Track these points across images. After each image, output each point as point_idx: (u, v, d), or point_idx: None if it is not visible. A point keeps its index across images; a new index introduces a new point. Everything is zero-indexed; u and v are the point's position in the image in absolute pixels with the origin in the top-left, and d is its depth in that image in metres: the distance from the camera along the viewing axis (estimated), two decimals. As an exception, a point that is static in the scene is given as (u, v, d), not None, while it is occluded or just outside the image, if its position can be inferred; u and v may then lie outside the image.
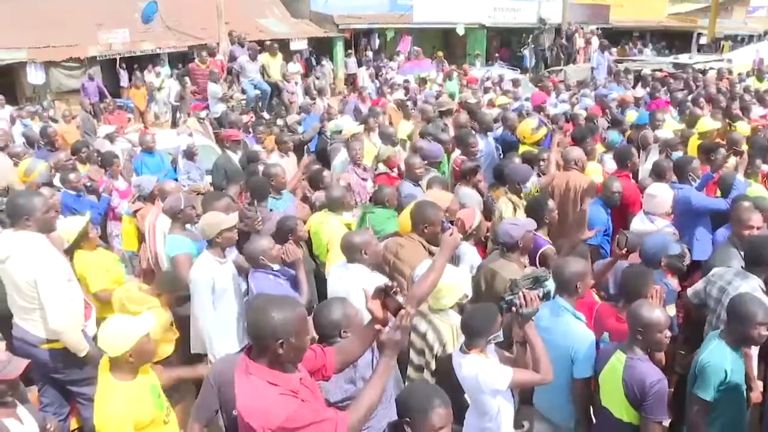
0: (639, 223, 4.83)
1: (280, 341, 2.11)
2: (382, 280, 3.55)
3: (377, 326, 2.38)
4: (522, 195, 5.20)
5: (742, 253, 4.06)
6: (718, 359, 3.11)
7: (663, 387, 2.89)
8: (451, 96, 11.97)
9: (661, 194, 4.85)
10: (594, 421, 3.34)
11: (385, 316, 2.40)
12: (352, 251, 3.74)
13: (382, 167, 6.46)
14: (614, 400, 3.04)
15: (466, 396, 3.15)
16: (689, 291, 4.06)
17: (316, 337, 3.01)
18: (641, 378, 2.89)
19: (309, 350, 2.37)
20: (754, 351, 3.55)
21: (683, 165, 5.44)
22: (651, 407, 2.89)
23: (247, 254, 4.08)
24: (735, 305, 3.20)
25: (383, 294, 2.40)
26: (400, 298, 2.37)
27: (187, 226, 4.76)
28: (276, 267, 4.02)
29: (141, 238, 5.60)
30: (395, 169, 6.39)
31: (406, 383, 3.47)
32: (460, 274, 3.54)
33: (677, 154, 6.41)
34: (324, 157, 7.62)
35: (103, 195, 6.37)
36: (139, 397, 2.96)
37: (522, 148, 6.70)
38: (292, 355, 2.18)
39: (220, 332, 4.05)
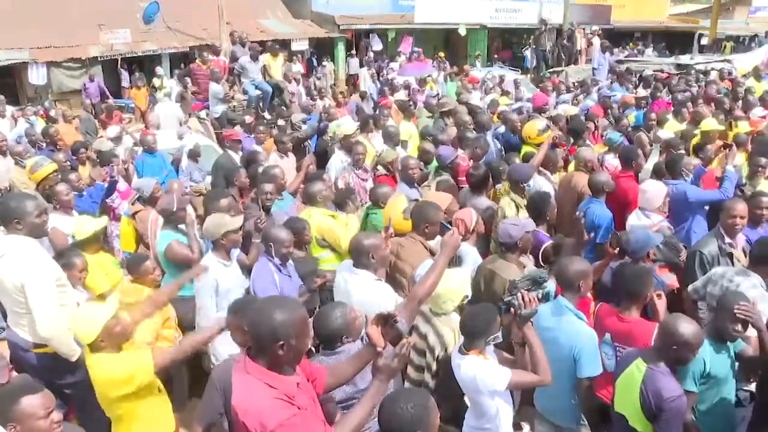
0: (635, 219, 4.89)
1: (281, 343, 2.11)
2: (386, 289, 3.58)
3: (377, 349, 2.38)
4: (524, 195, 5.20)
5: (720, 243, 4.26)
6: None
7: (681, 403, 2.78)
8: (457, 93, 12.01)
9: (652, 189, 4.90)
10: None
11: (384, 344, 2.40)
12: (360, 254, 3.65)
13: (381, 169, 6.45)
14: (629, 408, 2.94)
15: (465, 398, 3.15)
16: (690, 288, 4.09)
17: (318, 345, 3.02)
18: (659, 390, 2.79)
19: (303, 359, 2.37)
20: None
21: (675, 162, 5.57)
22: (666, 422, 2.78)
23: (271, 239, 4.06)
24: (720, 298, 3.27)
25: (384, 322, 2.40)
26: (401, 327, 2.38)
27: (182, 226, 4.77)
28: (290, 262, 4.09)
29: (138, 239, 5.61)
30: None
31: (405, 384, 3.47)
32: (461, 277, 3.52)
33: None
34: (324, 159, 7.62)
35: (98, 183, 6.43)
36: (127, 358, 3.04)
37: (525, 149, 6.70)
38: (292, 356, 2.18)
39: (226, 333, 4.05)
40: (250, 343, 2.71)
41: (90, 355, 3.05)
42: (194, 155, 7.57)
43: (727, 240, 4.31)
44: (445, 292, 3.31)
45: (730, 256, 4.32)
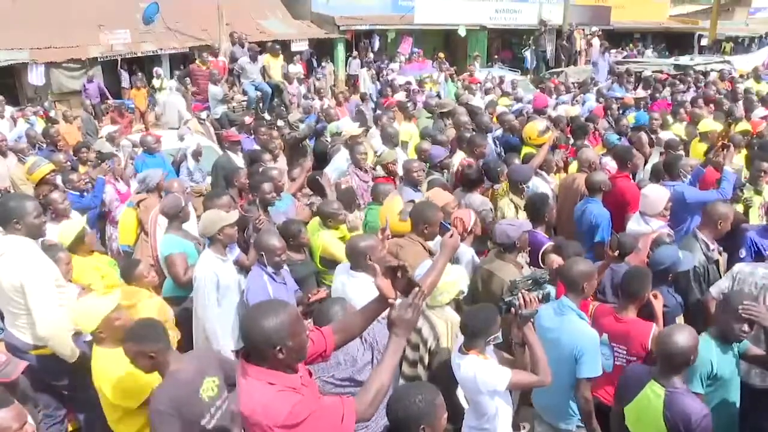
0: (634, 224, 4.86)
1: (279, 347, 2.10)
2: None
3: (389, 301, 2.34)
4: (523, 196, 5.21)
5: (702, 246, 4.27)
6: (703, 351, 3.09)
7: (709, 420, 2.71)
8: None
9: (654, 194, 4.87)
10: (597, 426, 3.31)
11: (395, 295, 2.37)
12: (356, 257, 3.63)
13: (380, 170, 6.45)
14: None
15: (458, 394, 3.16)
16: (712, 290, 4.05)
17: None
18: (686, 414, 2.70)
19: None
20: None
21: (673, 163, 5.57)
22: None
23: (262, 247, 4.01)
24: (725, 298, 3.25)
25: (393, 273, 2.37)
26: (412, 275, 2.33)
27: (184, 225, 4.76)
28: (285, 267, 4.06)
29: (139, 228, 5.48)
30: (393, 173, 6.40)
31: (400, 381, 3.47)
32: (457, 272, 3.54)
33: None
34: (323, 160, 7.62)
35: (99, 177, 6.36)
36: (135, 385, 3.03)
37: (525, 150, 6.71)
38: (294, 355, 2.17)
39: (225, 328, 4.08)
40: (156, 368, 2.69)
41: (94, 345, 3.10)
42: (196, 155, 7.59)
43: (712, 247, 4.29)
44: (442, 285, 3.30)
45: (717, 263, 4.33)
